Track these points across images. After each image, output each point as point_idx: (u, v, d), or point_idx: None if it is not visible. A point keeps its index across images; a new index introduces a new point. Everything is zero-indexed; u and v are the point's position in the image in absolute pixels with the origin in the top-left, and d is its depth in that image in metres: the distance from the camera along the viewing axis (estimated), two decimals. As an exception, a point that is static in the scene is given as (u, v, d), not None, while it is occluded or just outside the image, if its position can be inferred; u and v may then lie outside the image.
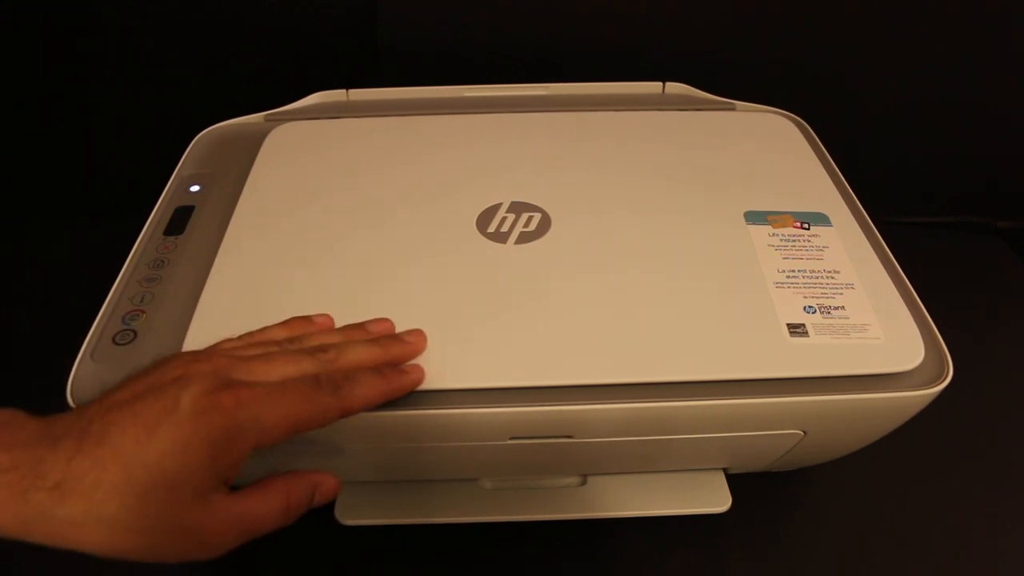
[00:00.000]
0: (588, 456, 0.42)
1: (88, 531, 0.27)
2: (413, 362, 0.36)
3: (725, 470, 0.47)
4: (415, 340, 0.36)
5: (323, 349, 0.34)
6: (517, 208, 0.44)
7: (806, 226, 0.44)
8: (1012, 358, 0.60)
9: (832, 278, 0.41)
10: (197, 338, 0.37)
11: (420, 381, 0.35)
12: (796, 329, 0.38)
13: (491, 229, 0.43)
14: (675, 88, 0.59)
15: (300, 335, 0.35)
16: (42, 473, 0.27)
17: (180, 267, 0.42)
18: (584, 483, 0.47)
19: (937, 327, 0.39)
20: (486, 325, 0.38)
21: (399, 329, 0.37)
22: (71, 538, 0.27)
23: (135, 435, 0.27)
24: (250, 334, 0.35)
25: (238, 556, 0.46)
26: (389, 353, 0.35)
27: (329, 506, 0.45)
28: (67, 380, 0.36)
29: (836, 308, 0.39)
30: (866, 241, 0.43)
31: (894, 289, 0.40)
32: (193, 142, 0.53)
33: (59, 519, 0.27)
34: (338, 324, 0.37)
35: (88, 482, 0.27)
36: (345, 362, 0.34)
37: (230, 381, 0.30)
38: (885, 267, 0.42)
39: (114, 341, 0.38)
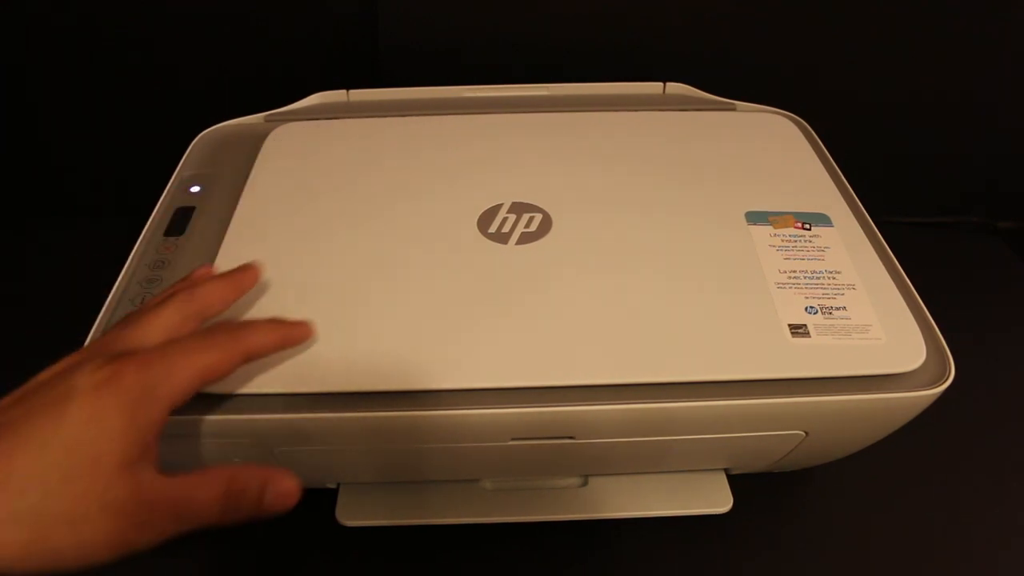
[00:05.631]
0: (589, 457, 0.42)
1: (5, 532, 0.23)
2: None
3: (726, 471, 0.47)
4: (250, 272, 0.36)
5: (171, 294, 0.33)
6: (518, 208, 0.44)
7: (807, 226, 0.44)
8: (1013, 358, 0.60)
9: (833, 278, 0.41)
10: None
11: (311, 334, 0.35)
12: (798, 330, 0.38)
13: (492, 229, 0.43)
14: (675, 88, 0.59)
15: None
16: None
17: (180, 268, 0.42)
18: (585, 484, 0.47)
19: (938, 327, 0.39)
20: (487, 325, 0.37)
21: None
22: None
23: (42, 423, 0.25)
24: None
25: (236, 556, 0.46)
26: (239, 284, 0.35)
27: (329, 506, 0.45)
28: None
29: (837, 308, 0.39)
30: (867, 241, 0.43)
31: (895, 289, 0.40)
32: (193, 142, 0.53)
33: None
34: (339, 325, 0.37)
35: None
36: (202, 294, 0.33)
37: (117, 353, 0.28)
38: (886, 267, 0.42)
39: (114, 342, 0.38)
